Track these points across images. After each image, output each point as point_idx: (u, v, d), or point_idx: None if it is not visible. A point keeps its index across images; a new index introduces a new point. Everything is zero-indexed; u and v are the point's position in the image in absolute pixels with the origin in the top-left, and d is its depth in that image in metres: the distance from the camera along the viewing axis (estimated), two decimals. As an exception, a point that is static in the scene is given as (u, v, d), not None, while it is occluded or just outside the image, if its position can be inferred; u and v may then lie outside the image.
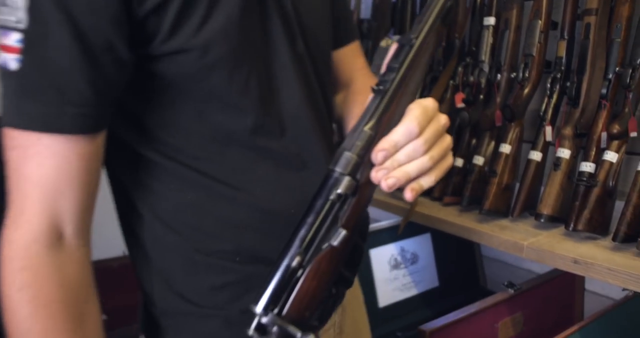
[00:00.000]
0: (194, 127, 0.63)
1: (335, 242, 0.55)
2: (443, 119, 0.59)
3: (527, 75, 1.06)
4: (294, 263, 0.54)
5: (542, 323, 1.24)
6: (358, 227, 0.58)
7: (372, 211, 2.07)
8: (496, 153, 1.11)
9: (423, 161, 0.56)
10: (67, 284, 0.57)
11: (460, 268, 1.53)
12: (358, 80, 0.85)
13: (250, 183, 0.66)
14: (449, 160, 0.60)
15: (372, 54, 1.49)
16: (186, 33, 0.57)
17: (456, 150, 1.22)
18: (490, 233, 1.05)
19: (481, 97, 1.17)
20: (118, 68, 0.56)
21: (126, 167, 0.67)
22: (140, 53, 0.58)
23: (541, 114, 1.07)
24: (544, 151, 1.07)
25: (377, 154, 0.55)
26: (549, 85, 1.05)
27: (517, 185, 1.09)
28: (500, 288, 1.40)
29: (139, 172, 0.66)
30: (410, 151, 0.56)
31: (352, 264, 0.61)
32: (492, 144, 1.14)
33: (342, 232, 0.55)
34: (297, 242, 0.55)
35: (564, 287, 1.30)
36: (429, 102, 0.58)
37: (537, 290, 1.21)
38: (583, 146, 1.01)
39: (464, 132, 1.21)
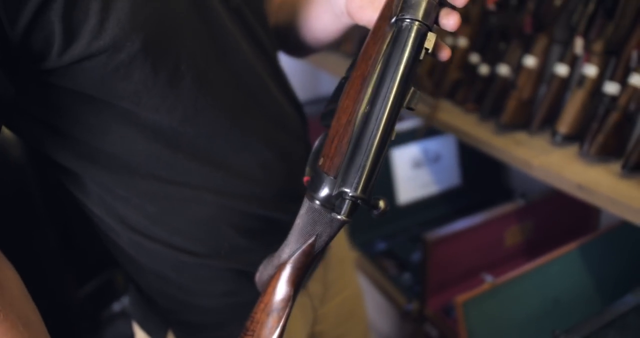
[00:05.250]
0: (130, 132, 0.56)
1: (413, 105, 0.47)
2: None
3: (562, -20, 0.97)
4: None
5: (554, 230, 1.26)
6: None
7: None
8: (521, 64, 1.05)
9: None
10: None
11: (484, 168, 1.54)
12: None
13: (216, 177, 0.61)
14: None
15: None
16: (85, 37, 0.48)
17: (484, 56, 1.16)
18: (502, 148, 1.04)
19: (514, 1, 1.08)
20: None
21: (83, 194, 0.62)
22: (37, 69, 0.50)
23: (573, 24, 0.99)
24: (572, 65, 1.01)
25: None
26: (585, -7, 0.96)
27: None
28: (528, 186, 1.41)
29: (98, 196, 0.61)
30: None
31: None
32: (519, 53, 1.08)
33: (417, 93, 0.46)
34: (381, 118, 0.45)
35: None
36: None
37: (551, 201, 1.22)
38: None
39: (493, 38, 1.14)
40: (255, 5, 0.65)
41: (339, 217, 0.46)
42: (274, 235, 0.62)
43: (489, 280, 0.92)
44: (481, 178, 1.54)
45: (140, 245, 0.64)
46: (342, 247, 0.88)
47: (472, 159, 1.52)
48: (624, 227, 1.09)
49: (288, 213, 0.63)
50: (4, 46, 0.46)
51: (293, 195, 0.53)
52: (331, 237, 0.50)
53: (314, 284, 0.78)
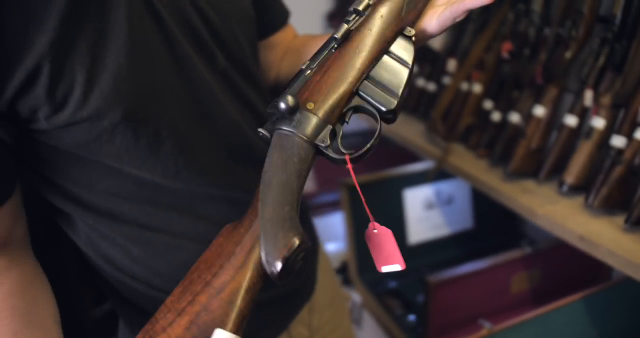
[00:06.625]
0: (114, 185, 0.59)
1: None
2: None
3: (573, 33, 0.99)
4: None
5: (563, 280, 1.25)
6: None
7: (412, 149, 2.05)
8: (531, 113, 1.07)
9: None
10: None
11: (498, 212, 1.53)
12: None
13: (197, 227, 0.64)
14: None
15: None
16: (71, 107, 0.50)
17: (497, 103, 1.18)
18: (509, 195, 1.05)
19: (527, 51, 1.10)
20: None
21: (73, 232, 0.66)
22: (24, 129, 0.53)
23: (583, 76, 1.00)
24: (581, 116, 1.02)
25: None
26: (596, 46, 0.98)
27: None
28: (540, 232, 1.40)
29: (86, 235, 0.65)
30: None
31: None
32: (531, 102, 1.09)
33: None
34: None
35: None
36: None
37: (560, 250, 1.20)
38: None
39: (506, 86, 1.16)
40: (243, 66, 0.67)
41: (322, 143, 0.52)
42: None
43: (487, 326, 0.92)
44: (494, 223, 1.54)
45: (124, 283, 0.67)
46: (332, 288, 0.89)
47: (486, 203, 1.51)
48: (631, 281, 1.07)
49: None
50: None
51: None
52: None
53: (297, 327, 0.79)
